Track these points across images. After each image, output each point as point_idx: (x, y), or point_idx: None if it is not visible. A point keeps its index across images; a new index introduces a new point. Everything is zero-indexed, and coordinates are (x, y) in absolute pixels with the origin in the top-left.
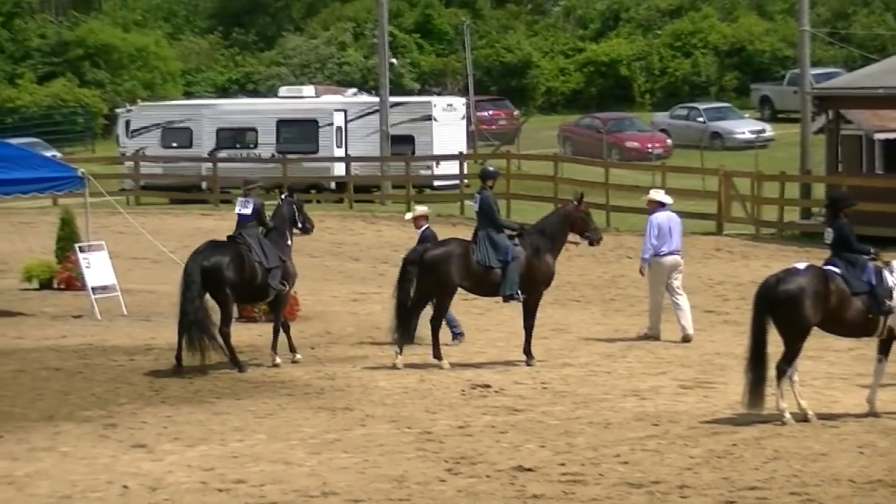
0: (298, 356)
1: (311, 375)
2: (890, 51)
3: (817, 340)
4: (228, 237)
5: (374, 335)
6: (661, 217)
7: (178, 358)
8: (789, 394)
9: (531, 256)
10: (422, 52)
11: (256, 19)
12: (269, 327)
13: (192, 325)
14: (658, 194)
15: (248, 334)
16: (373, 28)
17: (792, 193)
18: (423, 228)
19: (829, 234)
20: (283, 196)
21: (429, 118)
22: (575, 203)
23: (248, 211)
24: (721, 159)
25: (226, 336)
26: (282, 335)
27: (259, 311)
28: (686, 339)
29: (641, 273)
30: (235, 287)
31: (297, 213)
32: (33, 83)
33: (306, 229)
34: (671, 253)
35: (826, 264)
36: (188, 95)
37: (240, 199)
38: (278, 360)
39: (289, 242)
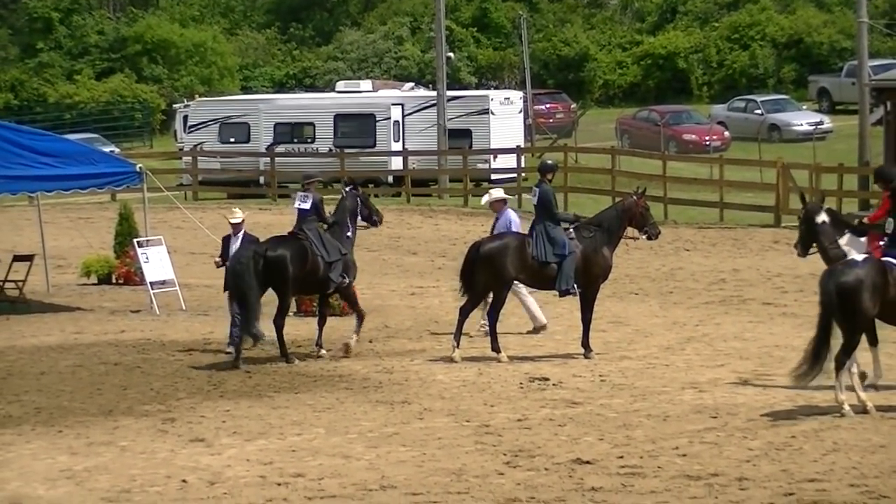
0: (323, 352)
1: (370, 369)
2: None
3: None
4: (290, 232)
5: (433, 329)
6: (512, 214)
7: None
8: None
9: (588, 250)
10: (479, 46)
11: (314, 14)
12: (349, 321)
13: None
14: (499, 192)
15: (307, 329)
16: (430, 22)
17: (850, 185)
18: (241, 232)
19: (889, 225)
20: (346, 188)
21: (486, 112)
22: (635, 197)
23: (308, 206)
24: (779, 151)
25: (278, 328)
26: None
27: (337, 307)
28: (541, 328)
29: None
30: (297, 280)
31: (360, 206)
32: (91, 79)
33: (374, 222)
34: None
35: (884, 255)
36: (245, 91)
37: (299, 193)
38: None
39: (349, 234)
